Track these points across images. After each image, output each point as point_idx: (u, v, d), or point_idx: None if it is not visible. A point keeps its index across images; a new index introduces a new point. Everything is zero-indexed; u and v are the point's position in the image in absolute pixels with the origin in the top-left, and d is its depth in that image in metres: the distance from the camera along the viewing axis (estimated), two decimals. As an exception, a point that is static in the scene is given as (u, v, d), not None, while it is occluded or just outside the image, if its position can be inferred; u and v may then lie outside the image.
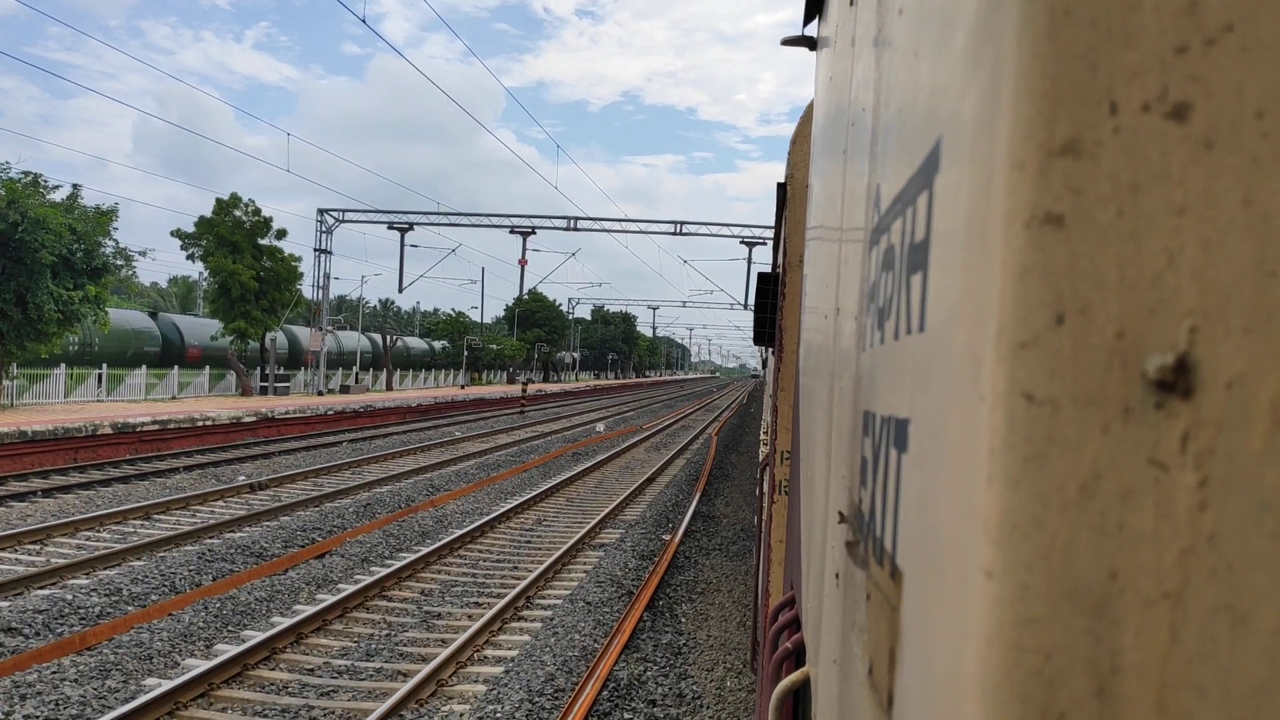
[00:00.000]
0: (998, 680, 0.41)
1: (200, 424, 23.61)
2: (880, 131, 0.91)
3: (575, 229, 48.96)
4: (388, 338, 53.95)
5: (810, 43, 2.89)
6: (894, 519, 0.65)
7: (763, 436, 8.00)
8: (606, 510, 14.90)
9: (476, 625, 8.48)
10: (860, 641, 0.80)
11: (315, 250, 44.95)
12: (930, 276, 0.57)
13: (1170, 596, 0.39)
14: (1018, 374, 0.42)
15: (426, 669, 7.34)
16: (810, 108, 4.09)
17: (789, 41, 3.23)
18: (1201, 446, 0.39)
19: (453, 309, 72.29)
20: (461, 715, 6.78)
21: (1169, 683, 0.39)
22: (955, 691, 0.45)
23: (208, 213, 36.22)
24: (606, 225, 49.75)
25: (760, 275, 5.47)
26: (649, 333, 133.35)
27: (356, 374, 50.67)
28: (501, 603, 9.30)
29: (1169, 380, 0.39)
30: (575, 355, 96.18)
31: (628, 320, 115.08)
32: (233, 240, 35.73)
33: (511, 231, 51.93)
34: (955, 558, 0.47)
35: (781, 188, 4.51)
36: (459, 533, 12.76)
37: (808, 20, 2.81)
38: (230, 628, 8.58)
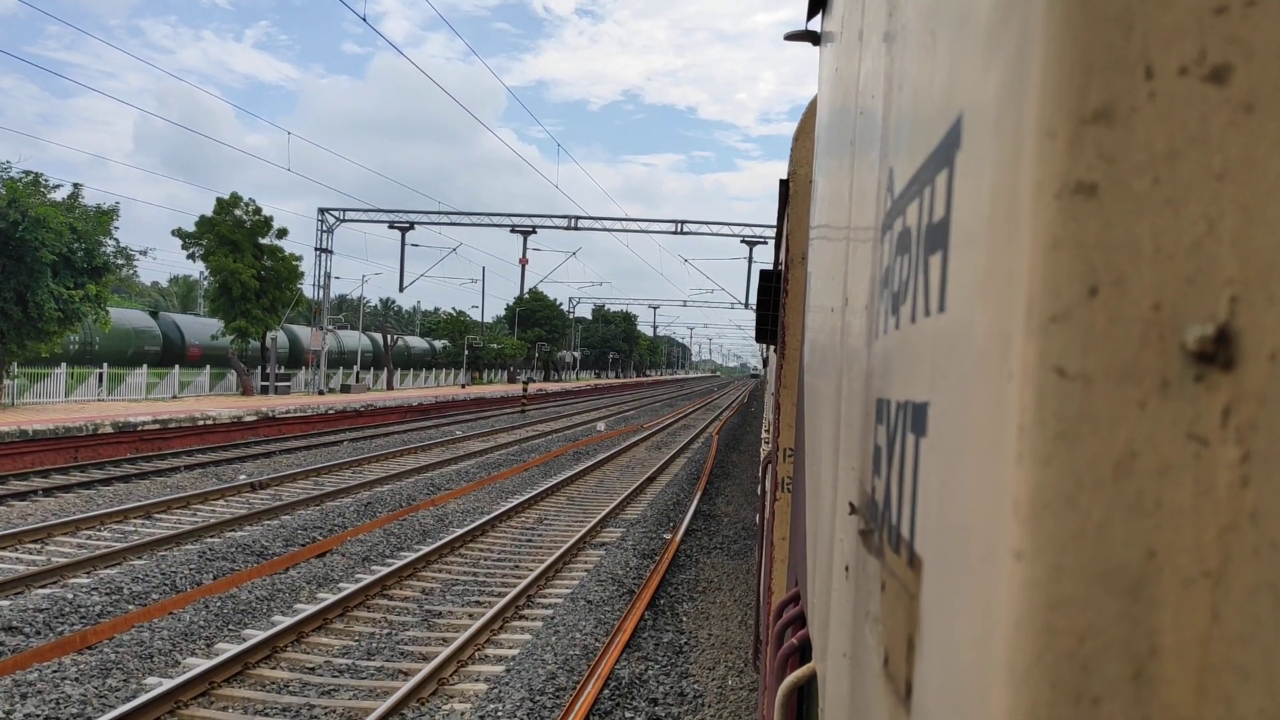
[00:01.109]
0: (1028, 665, 0.40)
1: (201, 423, 23.61)
2: (893, 116, 0.90)
3: (576, 228, 48.95)
4: (388, 337, 53.93)
5: (814, 38, 2.87)
6: (912, 505, 0.64)
7: (764, 435, 7.99)
8: (607, 509, 14.89)
9: (478, 624, 8.47)
10: (874, 632, 0.79)
11: (316, 249, 44.98)
12: (951, 255, 0.56)
13: (1211, 575, 0.38)
14: (1049, 349, 0.40)
15: (428, 668, 7.33)
16: (813, 104, 4.07)
17: (792, 36, 3.22)
18: (1243, 420, 0.37)
19: (453, 308, 72.32)
20: (463, 714, 6.77)
21: (1210, 665, 0.37)
22: (981, 677, 0.44)
23: (208, 212, 36.23)
24: (607, 224, 49.74)
25: (762, 272, 5.45)
26: (649, 332, 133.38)
27: (357, 373, 50.67)
28: (503, 601, 9.29)
29: (1209, 352, 0.38)
30: (576, 354, 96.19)
31: (628, 319, 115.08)
32: (233, 239, 35.72)
33: (512, 231, 51.94)
34: (981, 540, 0.45)
35: (784, 184, 4.49)
36: (460, 531, 12.75)
37: (811, 15, 2.79)
38: (231, 626, 8.57)
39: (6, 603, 8.63)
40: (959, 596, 0.49)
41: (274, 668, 7.65)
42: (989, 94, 0.48)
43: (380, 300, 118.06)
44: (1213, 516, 0.38)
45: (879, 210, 0.95)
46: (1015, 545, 0.41)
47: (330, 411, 30.64)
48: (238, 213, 36.41)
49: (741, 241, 47.99)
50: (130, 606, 8.86)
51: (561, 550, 11.75)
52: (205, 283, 53.57)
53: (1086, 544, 0.39)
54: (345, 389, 44.91)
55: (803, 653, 1.93)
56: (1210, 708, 0.37)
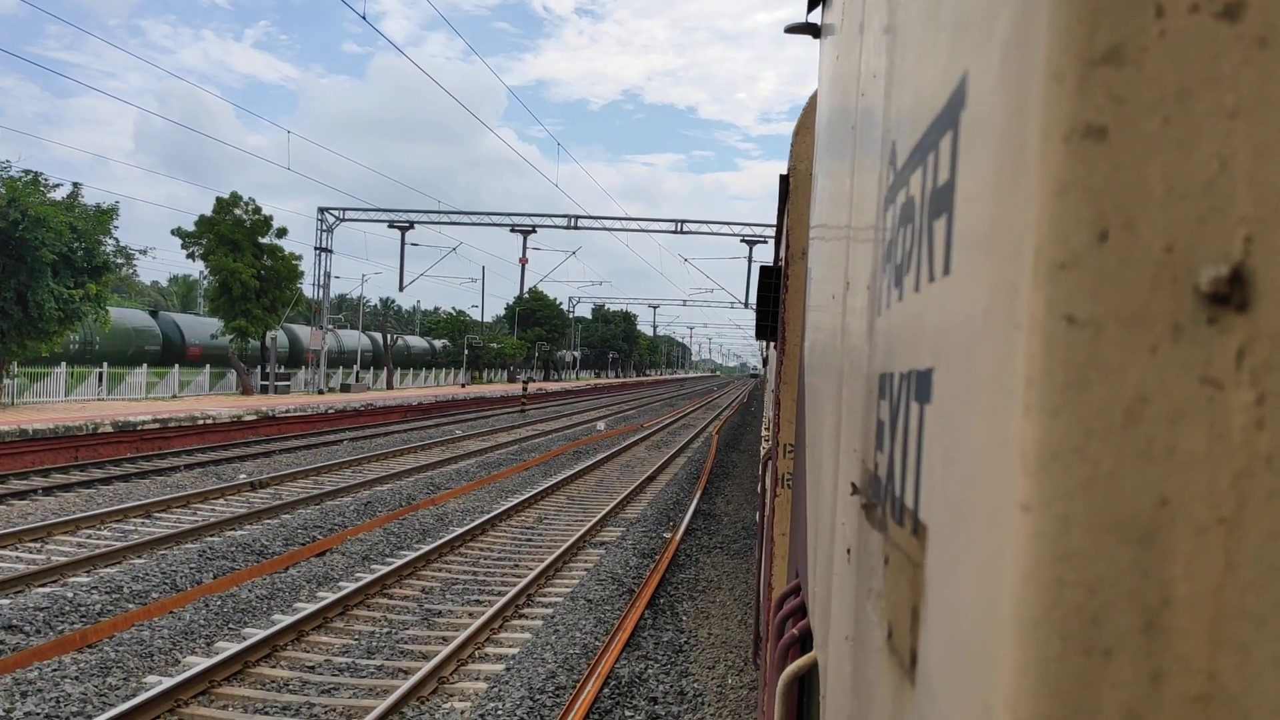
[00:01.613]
0: (1036, 618, 0.39)
1: (201, 422, 23.60)
2: (895, 92, 0.89)
3: (576, 227, 48.95)
4: (388, 336, 53.92)
5: (814, 30, 2.87)
6: (916, 474, 0.63)
7: (764, 433, 7.98)
8: (607, 508, 14.88)
9: (478, 623, 8.46)
10: (877, 608, 0.78)
11: (316, 249, 44.98)
12: (956, 216, 0.55)
13: (1225, 522, 0.37)
14: (1057, 297, 0.39)
15: (428, 666, 7.32)
16: (813, 100, 4.06)
17: (793, 29, 3.22)
18: (1259, 362, 0.36)
19: (453, 308, 72.28)
20: (463, 712, 6.76)
21: (1224, 613, 0.37)
22: (988, 635, 0.43)
23: (208, 211, 36.24)
24: (607, 224, 49.74)
25: (762, 269, 5.44)
26: (649, 331, 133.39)
27: (357, 373, 50.67)
28: (503, 600, 9.28)
29: (1223, 293, 0.37)
30: (576, 354, 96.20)
31: (628, 319, 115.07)
32: (233, 239, 35.73)
33: (512, 230, 51.95)
34: (987, 496, 0.45)
35: (784, 179, 4.49)
36: (460, 530, 12.74)
37: (811, 8, 2.79)
38: (231, 625, 8.56)
39: (7, 601, 8.63)
40: (965, 556, 0.49)
41: (274, 666, 7.64)
42: (994, 46, 0.48)
43: (380, 300, 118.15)
44: (1227, 462, 0.37)
45: (881, 188, 0.94)
46: (1022, 498, 0.40)
47: (330, 411, 30.63)
48: (238, 212, 36.41)
49: (741, 241, 48.02)
50: (130, 605, 8.86)
51: (561, 549, 11.74)
52: (205, 282, 53.59)
53: (1096, 494, 0.38)
54: (345, 388, 44.91)
55: (803, 644, 1.92)
56: (1225, 657, 0.37)
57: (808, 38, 3.06)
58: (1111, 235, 0.39)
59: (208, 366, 38.98)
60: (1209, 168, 0.37)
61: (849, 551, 1.07)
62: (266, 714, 6.64)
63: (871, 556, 0.83)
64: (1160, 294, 0.38)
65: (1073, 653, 0.39)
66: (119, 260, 26.34)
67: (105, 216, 24.75)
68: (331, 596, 9.29)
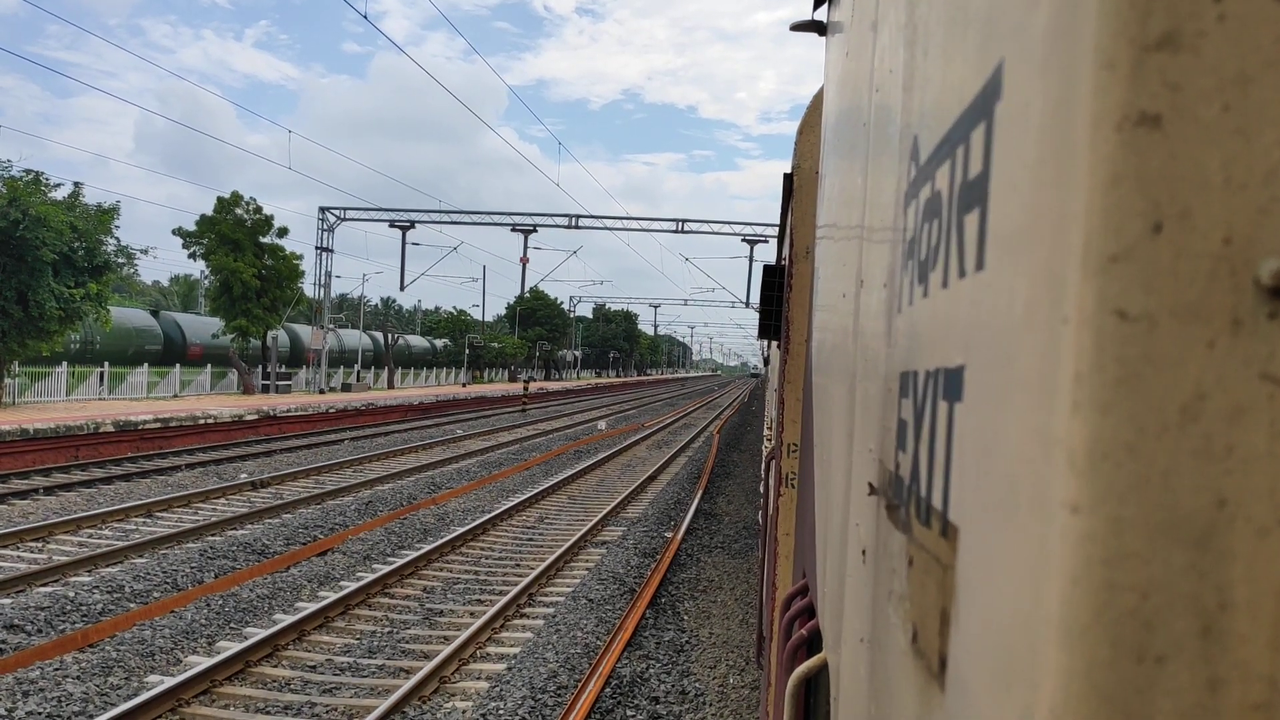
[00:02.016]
0: (1085, 623, 0.38)
1: (202, 422, 23.60)
2: (915, 87, 0.88)
3: (577, 227, 48.96)
4: (389, 336, 53.92)
5: (820, 28, 2.85)
6: (945, 474, 0.62)
7: (766, 433, 7.96)
8: (608, 508, 14.87)
9: (479, 622, 8.45)
10: (900, 610, 0.77)
11: (317, 248, 44.99)
12: (991, 209, 0.54)
13: None
14: (1108, 290, 0.38)
15: (429, 665, 7.31)
16: (817, 98, 4.05)
17: (798, 26, 3.20)
18: None
19: (454, 307, 72.30)
20: (464, 712, 6.75)
21: None
22: (1031, 638, 0.42)
23: (209, 211, 36.24)
24: (608, 223, 49.73)
25: (765, 268, 5.43)
26: (650, 331, 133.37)
27: (358, 372, 50.68)
28: (504, 599, 9.28)
29: None
30: (577, 353, 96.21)
31: (629, 318, 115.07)
32: (234, 238, 35.73)
33: (513, 230, 51.93)
34: (1029, 497, 0.43)
35: (788, 178, 4.47)
36: (461, 530, 12.74)
37: (817, 5, 2.77)
38: (232, 625, 8.55)
39: (8, 601, 8.62)
40: (1003, 559, 0.47)
41: (275, 666, 7.64)
42: (1035, 35, 0.46)
43: (381, 299, 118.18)
44: None
45: (900, 184, 0.93)
46: (1071, 498, 0.39)
47: (331, 410, 30.63)
48: (239, 212, 36.42)
49: (742, 240, 48.00)
50: (132, 605, 8.85)
51: (563, 549, 11.73)
52: (206, 282, 53.57)
53: (1150, 494, 0.37)
54: (346, 388, 44.91)
55: (810, 645, 1.91)
56: None
57: (811, 37, 3.04)
58: (1167, 226, 0.37)
59: (209, 366, 38.97)
60: (1270, 157, 0.36)
61: (864, 553, 1.05)
62: (268, 713, 6.63)
63: (892, 558, 0.82)
64: (1218, 287, 0.37)
65: (1124, 659, 0.37)
66: (120, 260, 26.33)
67: (106, 216, 24.75)
68: (333, 596, 9.28)
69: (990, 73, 0.55)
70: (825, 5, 2.61)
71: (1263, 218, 0.36)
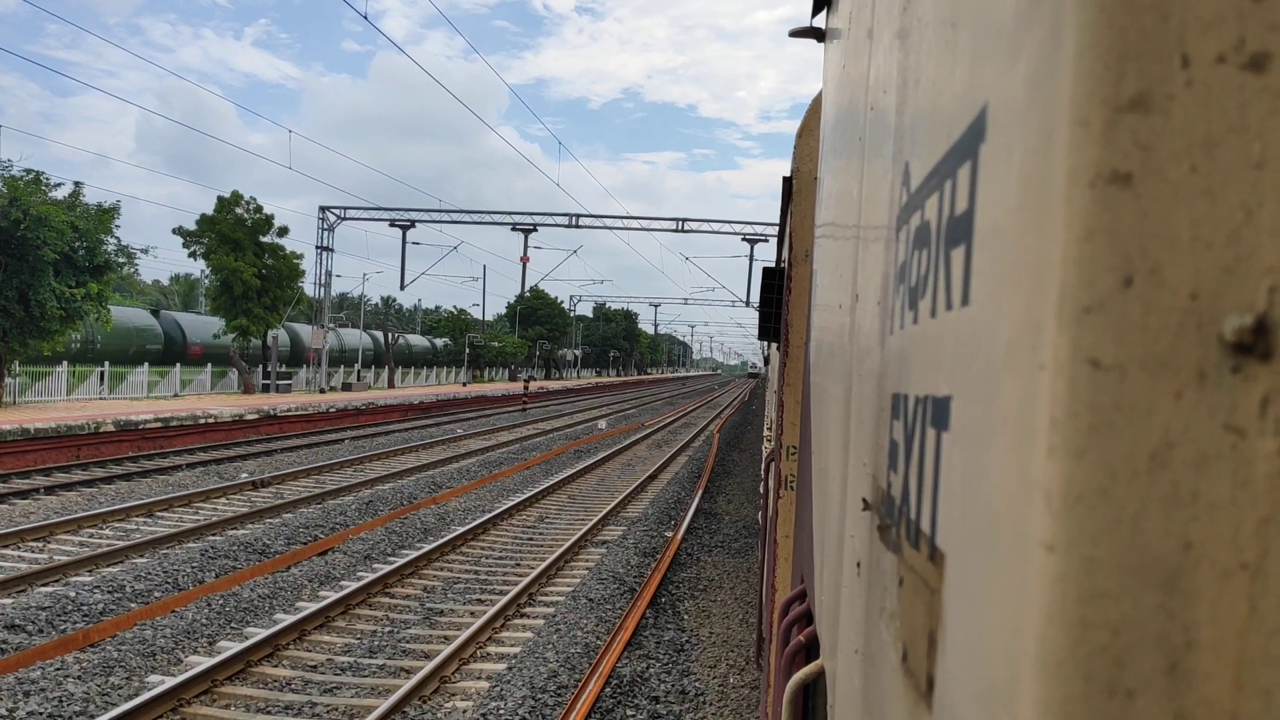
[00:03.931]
0: (1060, 658, 0.40)
1: (202, 421, 23.62)
2: (908, 111, 0.89)
3: (577, 226, 48.94)
4: (389, 335, 53.93)
5: (819, 34, 2.87)
6: (933, 500, 0.64)
7: (766, 433, 7.98)
8: (609, 507, 14.89)
9: (480, 622, 8.47)
10: (891, 628, 0.78)
11: (317, 248, 44.99)
12: (976, 248, 0.55)
13: (1249, 568, 0.37)
14: (1082, 340, 0.40)
15: (430, 665, 7.33)
16: (816, 101, 4.05)
17: (797, 33, 3.21)
18: None
19: (454, 306, 72.23)
20: (465, 711, 6.77)
21: (1247, 658, 0.37)
22: (1011, 670, 0.43)
23: (209, 210, 36.24)
24: (608, 222, 49.71)
25: (765, 270, 5.44)
26: (651, 330, 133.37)
27: (358, 371, 50.69)
28: (504, 599, 9.29)
29: (1247, 342, 0.37)
30: (577, 352, 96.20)
31: (629, 317, 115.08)
32: (234, 238, 35.74)
33: (513, 229, 51.90)
34: (1010, 534, 0.45)
35: (787, 181, 4.49)
36: (461, 529, 12.75)
37: (816, 11, 2.79)
38: (233, 624, 8.57)
39: (9, 601, 8.64)
40: (986, 590, 0.49)
41: (276, 666, 7.65)
42: (1016, 84, 0.48)
43: (381, 298, 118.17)
44: (1251, 508, 0.37)
45: (893, 206, 0.94)
46: (1047, 538, 0.41)
47: (331, 410, 30.65)
48: (239, 211, 36.42)
49: (743, 239, 47.97)
50: (132, 604, 8.87)
51: (563, 548, 11.75)
52: (206, 281, 53.58)
53: (1121, 536, 0.39)
54: (346, 387, 44.92)
55: (809, 650, 1.92)
56: (1247, 702, 0.37)
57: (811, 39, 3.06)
58: (1137, 281, 0.39)
59: (209, 365, 38.98)
60: (1235, 217, 0.38)
61: (859, 565, 1.07)
62: (269, 713, 6.65)
63: (884, 575, 0.84)
64: (1185, 341, 0.38)
65: (1096, 693, 0.39)
66: (120, 259, 26.35)
67: (107, 216, 24.77)
68: (334, 595, 9.29)
69: (976, 114, 0.56)
70: (824, 12, 2.63)
71: (1227, 276, 0.38)
